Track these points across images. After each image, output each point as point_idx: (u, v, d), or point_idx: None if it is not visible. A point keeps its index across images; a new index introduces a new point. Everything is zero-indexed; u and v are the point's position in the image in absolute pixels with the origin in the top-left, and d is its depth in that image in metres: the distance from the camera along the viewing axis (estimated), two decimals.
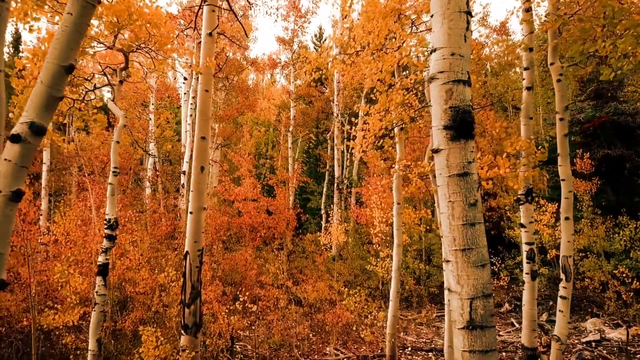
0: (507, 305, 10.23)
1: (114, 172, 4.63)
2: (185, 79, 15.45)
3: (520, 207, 6.23)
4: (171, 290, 7.15)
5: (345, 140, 21.95)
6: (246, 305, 6.11)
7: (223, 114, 15.05)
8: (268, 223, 11.79)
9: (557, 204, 9.67)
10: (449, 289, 2.40)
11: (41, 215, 12.52)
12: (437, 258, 11.97)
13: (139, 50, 4.63)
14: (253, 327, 7.43)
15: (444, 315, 10.21)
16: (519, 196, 6.40)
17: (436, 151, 2.42)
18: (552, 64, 5.12)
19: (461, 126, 2.35)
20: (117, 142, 4.65)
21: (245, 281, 10.02)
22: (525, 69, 6.28)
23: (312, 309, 8.98)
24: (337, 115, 17.86)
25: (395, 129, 6.38)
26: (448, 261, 2.39)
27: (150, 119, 17.91)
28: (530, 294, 6.06)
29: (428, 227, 12.90)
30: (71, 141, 18.10)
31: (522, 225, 6.17)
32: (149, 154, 14.66)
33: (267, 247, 12.65)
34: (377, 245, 9.62)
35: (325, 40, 27.58)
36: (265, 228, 11.72)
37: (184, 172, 13.37)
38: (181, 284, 5.84)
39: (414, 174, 4.86)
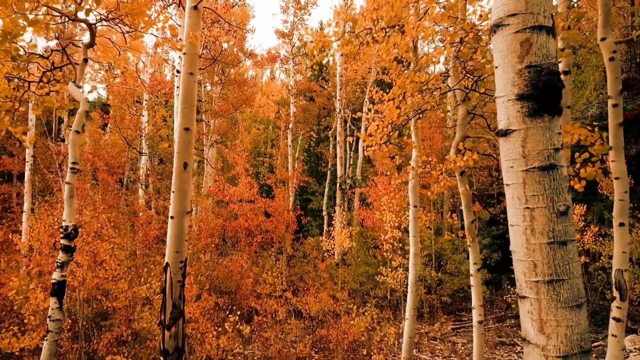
0: None
1: (72, 169, 3.89)
2: (178, 71, 14.75)
3: None
4: (156, 304, 6.44)
5: (351, 133, 21.25)
6: (237, 326, 5.38)
7: (218, 109, 14.32)
8: (266, 226, 11.05)
9: (584, 205, 8.93)
10: (525, 339, 1.66)
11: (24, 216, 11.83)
12: (450, 265, 11.21)
13: (108, 24, 3.91)
14: (248, 347, 6.70)
15: (460, 328, 9.51)
16: None
17: (504, 133, 1.68)
18: (603, 39, 4.38)
19: (545, 94, 1.60)
20: (77, 131, 3.92)
21: (240, 291, 9.30)
22: (562, 49, 5.55)
23: (314, 322, 8.25)
24: (340, 111, 17.12)
25: (412, 120, 5.64)
26: (524, 297, 1.65)
27: (142, 116, 17.23)
28: None
29: (437, 230, 12.16)
30: (61, 141, 17.41)
31: None
32: (139, 152, 13.94)
33: (266, 252, 11.93)
34: (388, 253, 8.89)
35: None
36: (263, 232, 10.98)
37: None
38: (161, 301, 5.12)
39: (437, 171, 4.12)
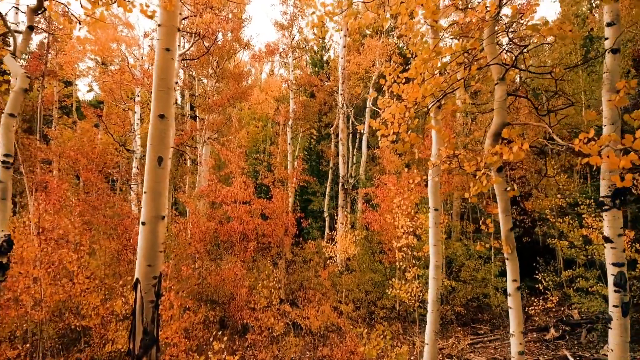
0: (553, 330, 8.71)
1: (4, 162, 3.12)
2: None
3: (604, 214, 4.71)
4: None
5: (354, 130, 20.49)
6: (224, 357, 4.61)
7: (212, 103, 13.55)
8: (263, 229, 10.26)
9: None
10: None
11: None
12: (464, 272, 10.43)
13: None
14: None
15: (477, 344, 8.72)
16: (601, 199, 4.86)
17: None
18: None
19: None
20: (12, 114, 3.15)
21: (234, 301, 8.54)
22: (609, 24, 4.78)
23: (315, 337, 7.48)
24: (342, 106, 16.34)
25: (431, 108, 4.88)
26: None
27: (135, 112, 16.47)
28: (620, 334, 4.59)
29: (447, 233, 11.39)
30: (48, 139, 16.69)
31: (607, 240, 4.66)
32: (127, 149, 13.18)
33: (263, 257, 11.15)
34: (401, 263, 8.09)
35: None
36: (260, 235, 10.20)
37: None
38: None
39: (471, 167, 3.35)
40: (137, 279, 3.84)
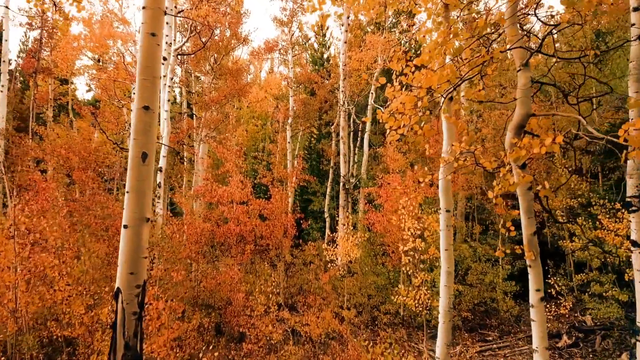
0: (565, 338, 8.35)
1: None
2: (164, 59, 13.68)
3: (632, 215, 4.36)
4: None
5: (356, 128, 20.12)
6: None
7: (209, 100, 13.20)
8: (261, 231, 9.91)
9: None
10: None
11: None
12: (471, 275, 10.07)
13: None
14: None
15: (485, 351, 8.37)
16: (628, 199, 4.51)
17: None
18: None
19: None
20: None
21: (231, 306, 8.20)
22: (635, 9, 4.43)
23: (315, 346, 7.13)
24: (344, 103, 15.99)
25: (442, 101, 4.54)
26: None
27: (132, 110, 16.14)
28: None
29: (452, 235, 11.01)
30: (34, 135, 16.33)
31: (635, 244, 4.31)
32: (121, 148, 12.84)
33: (261, 260, 10.80)
34: (407, 268, 7.71)
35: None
36: (258, 237, 9.85)
37: (160, 169, 11.59)
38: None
39: (490, 163, 3.00)
40: (118, 288, 3.48)
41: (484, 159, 3.13)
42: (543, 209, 3.33)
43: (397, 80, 3.39)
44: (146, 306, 4.73)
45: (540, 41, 2.80)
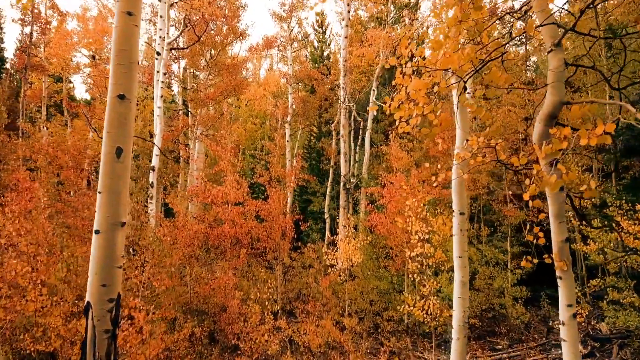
0: (581, 347, 7.95)
1: None
2: (158, 53, 13.27)
3: None
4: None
5: (357, 126, 19.70)
6: None
7: (205, 97, 12.79)
8: (258, 233, 9.49)
9: None
10: None
11: None
12: (479, 280, 9.66)
13: None
14: None
15: None
16: None
17: None
18: None
19: None
20: None
21: (225, 313, 7.79)
22: None
23: (314, 356, 6.72)
24: (344, 100, 15.57)
25: (454, 93, 4.13)
26: None
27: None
28: None
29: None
30: (21, 133, 15.91)
31: None
32: None
33: (258, 263, 10.38)
34: (415, 275, 7.28)
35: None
36: (254, 240, 9.43)
37: (152, 169, 11.18)
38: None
39: (518, 159, 2.59)
40: (88, 303, 3.07)
41: (515, 154, 2.72)
42: (576, 212, 2.91)
43: (406, 65, 2.96)
44: (126, 320, 4.30)
45: (579, 14, 2.39)
